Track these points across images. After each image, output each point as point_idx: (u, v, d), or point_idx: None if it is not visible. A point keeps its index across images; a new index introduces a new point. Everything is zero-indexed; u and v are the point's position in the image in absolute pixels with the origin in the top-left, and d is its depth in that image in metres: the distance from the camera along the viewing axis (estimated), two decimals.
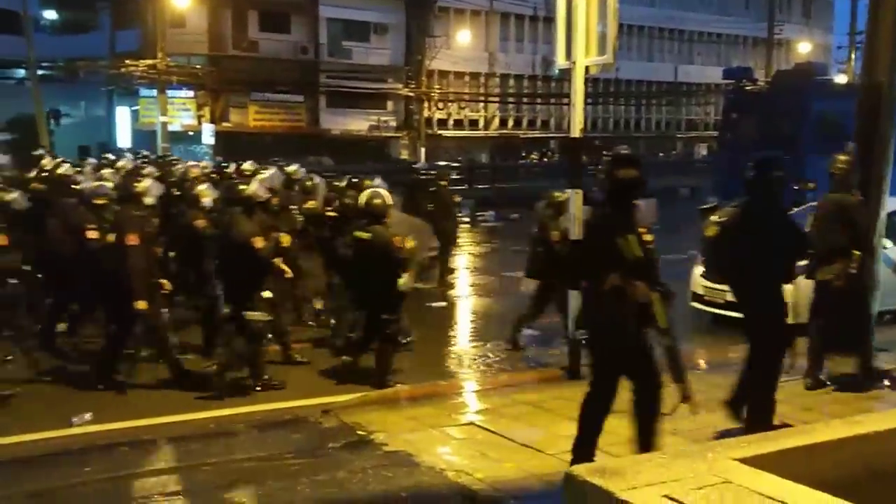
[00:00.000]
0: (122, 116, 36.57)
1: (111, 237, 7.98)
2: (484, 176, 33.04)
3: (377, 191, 8.22)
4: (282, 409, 7.41)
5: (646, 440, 5.16)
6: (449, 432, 6.52)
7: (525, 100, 43.40)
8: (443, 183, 14.50)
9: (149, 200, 8.46)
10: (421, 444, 6.22)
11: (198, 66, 33.95)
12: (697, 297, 10.94)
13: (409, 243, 7.99)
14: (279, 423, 7.01)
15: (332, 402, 7.32)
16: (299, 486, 5.63)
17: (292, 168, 12.50)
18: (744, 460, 2.65)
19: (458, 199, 15.89)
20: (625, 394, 5.28)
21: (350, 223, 8.67)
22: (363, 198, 8.15)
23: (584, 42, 7.58)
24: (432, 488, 5.56)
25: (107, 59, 33.40)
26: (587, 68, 7.70)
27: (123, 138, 35.66)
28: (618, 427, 5.30)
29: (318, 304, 10.41)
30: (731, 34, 49.40)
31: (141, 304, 7.72)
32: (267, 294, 8.12)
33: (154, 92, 31.80)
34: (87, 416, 7.18)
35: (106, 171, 12.68)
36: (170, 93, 32.14)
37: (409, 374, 8.45)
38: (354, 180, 10.63)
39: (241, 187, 8.43)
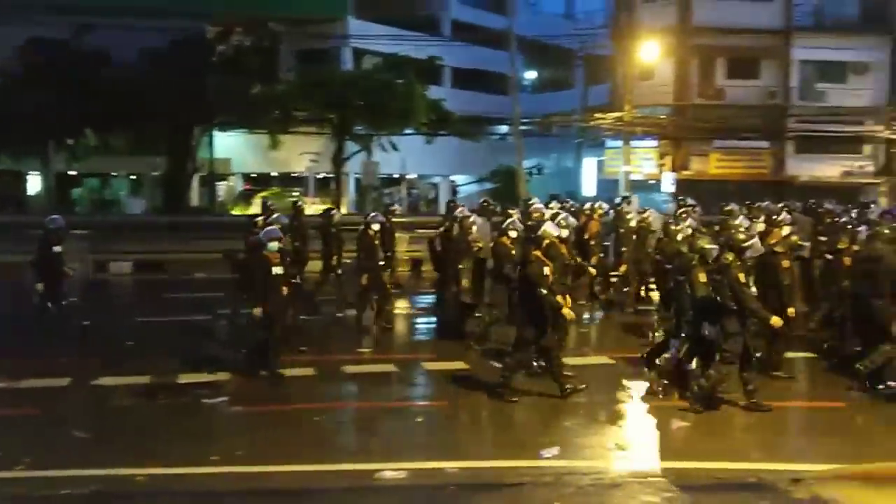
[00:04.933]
0: (589, 167, 38.52)
1: None
2: None
3: None
4: (746, 469, 7.06)
5: None
6: None
7: None
8: None
9: None
10: None
11: (662, 116, 34.48)
12: None
13: None
14: (744, 486, 6.67)
15: (803, 471, 6.79)
16: None
17: None
18: None
19: None
20: None
21: None
22: None
23: None
24: None
25: (578, 114, 35.49)
26: None
27: (589, 187, 37.52)
28: None
29: None
30: None
31: None
32: None
33: (619, 143, 32.98)
34: (555, 450, 7.54)
35: None
36: (634, 143, 33.06)
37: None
38: None
39: None
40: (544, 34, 39.83)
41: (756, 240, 9.51)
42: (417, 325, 14.83)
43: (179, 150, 31.25)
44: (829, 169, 35.76)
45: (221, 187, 37.74)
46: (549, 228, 9.77)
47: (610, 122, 32.37)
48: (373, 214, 13.62)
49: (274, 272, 10.14)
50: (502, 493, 6.72)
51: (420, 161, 37.38)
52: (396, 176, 38.84)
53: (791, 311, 9.77)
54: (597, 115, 33.06)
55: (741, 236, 9.24)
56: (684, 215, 12.76)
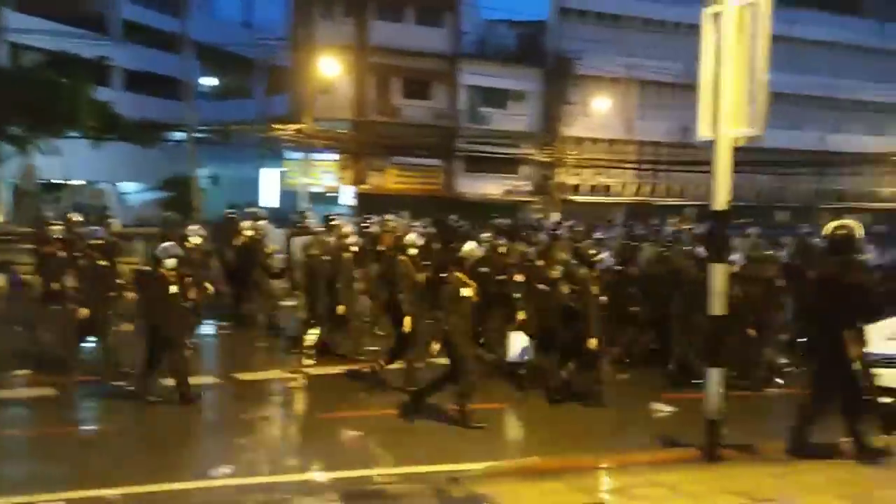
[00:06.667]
0: (269, 178, 38.27)
1: None
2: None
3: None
4: (409, 473, 7.40)
5: None
6: None
7: (662, 167, 42.75)
8: None
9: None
10: None
11: (342, 131, 35.22)
12: None
13: None
14: (407, 488, 6.97)
15: (460, 470, 7.25)
16: None
17: None
18: None
19: None
20: None
21: None
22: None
23: (730, 113, 7.40)
24: None
25: (258, 124, 35.13)
26: (733, 140, 7.49)
27: (270, 199, 37.26)
28: None
29: None
30: (886, 102, 47.28)
31: None
32: None
33: (300, 155, 33.16)
34: (227, 469, 7.39)
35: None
36: (314, 155, 33.42)
37: (541, 444, 8.35)
38: None
39: None
40: (221, 40, 38.97)
41: (606, 254, 10.78)
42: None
43: None
44: (493, 187, 38.73)
45: None
46: (473, 248, 9.57)
47: (290, 133, 32.44)
48: (193, 227, 12.96)
49: (171, 291, 9.53)
50: None
51: (87, 166, 34.89)
52: (59, 182, 35.87)
53: None
54: (277, 127, 32.94)
55: (592, 251, 10.52)
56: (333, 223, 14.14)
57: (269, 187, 38.22)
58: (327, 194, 34.99)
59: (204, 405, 9.92)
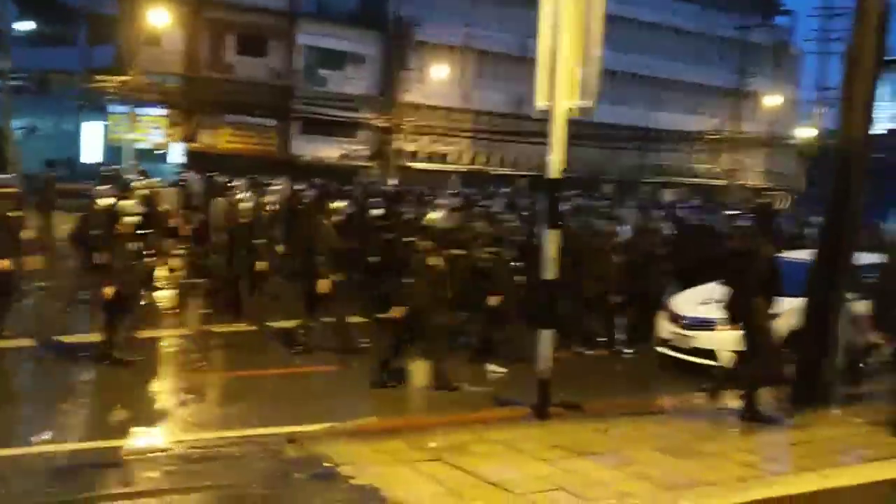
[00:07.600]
0: (92, 132, 36.24)
1: None
2: None
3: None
4: (247, 436, 7.33)
5: None
6: (418, 468, 6.44)
7: (497, 137, 43.72)
8: None
9: None
10: (389, 478, 6.15)
11: (171, 86, 33.75)
12: (663, 342, 11.11)
13: None
14: (244, 451, 6.89)
15: (298, 432, 7.24)
16: None
17: None
18: None
19: None
20: None
21: None
22: None
23: (566, 85, 7.66)
24: None
25: (80, 74, 33.12)
26: (568, 111, 7.78)
27: (92, 154, 35.34)
28: None
29: None
30: (702, 84, 50.30)
31: None
32: None
33: (125, 108, 31.57)
34: (47, 434, 7.08)
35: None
36: (141, 110, 31.91)
37: (381, 405, 8.48)
38: None
39: None
40: None
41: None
42: None
43: None
44: (329, 150, 38.37)
45: None
46: (436, 216, 9.99)
47: (115, 85, 30.80)
48: (103, 187, 12.27)
49: (131, 249, 9.40)
50: None
51: None
52: None
53: None
54: (100, 78, 31.17)
55: (509, 219, 11.83)
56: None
57: (91, 141, 36.21)
58: (155, 151, 33.54)
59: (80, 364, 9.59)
